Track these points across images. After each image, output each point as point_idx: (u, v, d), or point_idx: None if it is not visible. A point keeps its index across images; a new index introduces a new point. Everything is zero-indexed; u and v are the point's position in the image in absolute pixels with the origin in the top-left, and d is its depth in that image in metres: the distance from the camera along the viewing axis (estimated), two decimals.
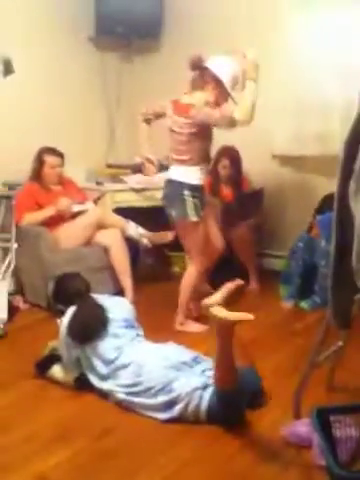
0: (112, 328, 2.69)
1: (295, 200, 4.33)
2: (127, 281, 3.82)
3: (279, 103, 4.17)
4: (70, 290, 2.87)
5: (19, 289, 3.94)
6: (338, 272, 2.00)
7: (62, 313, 2.79)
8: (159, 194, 4.09)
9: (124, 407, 2.52)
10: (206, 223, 3.37)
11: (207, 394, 2.35)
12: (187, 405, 2.37)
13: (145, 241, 3.93)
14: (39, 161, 3.91)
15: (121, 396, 2.53)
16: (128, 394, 2.51)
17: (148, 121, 3.41)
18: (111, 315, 2.73)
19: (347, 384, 2.58)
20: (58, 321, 2.78)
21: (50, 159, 3.91)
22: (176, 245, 4.29)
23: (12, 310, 3.68)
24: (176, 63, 4.68)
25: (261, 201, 4.30)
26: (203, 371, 2.48)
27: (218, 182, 4.05)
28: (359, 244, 1.83)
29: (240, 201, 4.05)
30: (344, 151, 1.89)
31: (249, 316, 2.25)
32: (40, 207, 3.84)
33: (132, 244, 3.97)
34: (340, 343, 2.46)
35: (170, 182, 3.26)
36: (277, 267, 4.13)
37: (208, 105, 3.06)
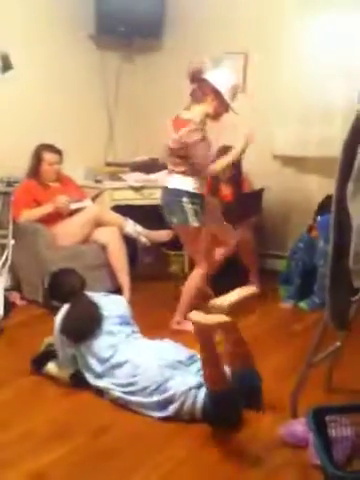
0: (106, 326, 2.68)
1: (296, 201, 4.33)
2: (125, 279, 3.82)
3: (281, 104, 4.17)
4: (65, 286, 2.86)
5: (16, 285, 3.93)
6: (336, 273, 2.01)
7: (57, 309, 2.78)
8: (158, 192, 4.11)
9: (120, 405, 2.52)
10: (212, 226, 3.39)
11: (202, 393, 2.35)
12: (182, 404, 2.37)
13: (143, 239, 3.91)
14: (37, 158, 3.90)
15: (117, 394, 2.52)
16: (124, 393, 2.51)
17: None
18: (106, 313, 2.72)
19: (345, 385, 2.58)
20: (55, 318, 2.77)
21: (48, 156, 3.90)
22: (174, 244, 4.30)
23: (9, 306, 3.66)
24: (177, 63, 4.68)
25: (261, 201, 4.29)
26: (199, 370, 2.47)
27: (218, 182, 4.05)
28: (356, 245, 1.83)
29: (240, 201, 4.04)
30: (343, 153, 1.90)
31: (224, 318, 2.28)
32: (38, 204, 3.83)
33: (130, 242, 3.97)
34: (338, 344, 2.46)
35: (168, 190, 3.28)
36: (277, 267, 4.13)
37: (208, 117, 3.15)
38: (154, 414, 2.42)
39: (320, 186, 3.94)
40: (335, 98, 3.92)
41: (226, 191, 4.10)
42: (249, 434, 2.32)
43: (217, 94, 3.09)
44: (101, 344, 2.62)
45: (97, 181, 4.41)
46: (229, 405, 2.31)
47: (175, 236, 4.00)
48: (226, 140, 3.69)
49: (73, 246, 3.80)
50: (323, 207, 3.69)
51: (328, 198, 3.55)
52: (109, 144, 4.92)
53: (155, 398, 2.42)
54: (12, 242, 3.68)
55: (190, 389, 2.36)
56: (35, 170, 3.90)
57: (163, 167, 4.41)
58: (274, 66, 4.16)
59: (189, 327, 3.37)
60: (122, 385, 2.52)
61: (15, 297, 3.85)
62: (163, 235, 3.94)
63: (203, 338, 2.30)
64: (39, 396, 2.66)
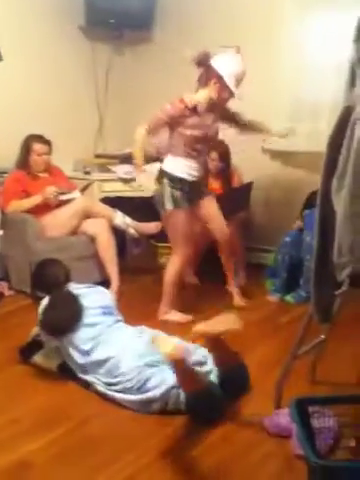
0: (87, 318, 2.66)
1: (284, 195, 4.35)
2: (113, 270, 3.83)
3: (270, 99, 4.18)
4: (48, 277, 2.86)
5: (4, 275, 3.94)
6: (320, 267, 2.03)
7: (41, 299, 2.80)
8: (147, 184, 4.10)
9: (105, 396, 2.54)
10: (204, 214, 3.44)
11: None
12: (166, 404, 2.39)
13: (132, 231, 3.92)
14: (26, 148, 3.89)
15: (101, 389, 2.54)
16: (108, 389, 2.52)
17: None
18: (86, 303, 2.70)
19: (328, 377, 2.61)
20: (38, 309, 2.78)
21: (37, 147, 3.89)
22: (163, 235, 4.31)
23: None
24: (167, 56, 4.70)
25: (250, 195, 4.31)
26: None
27: (207, 175, 4.06)
28: (340, 239, 1.85)
29: (229, 195, 4.06)
30: (328, 148, 1.92)
31: (232, 325, 2.37)
32: (27, 194, 3.82)
33: (119, 234, 3.98)
34: (322, 337, 2.49)
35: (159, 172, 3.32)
36: (264, 261, 4.16)
37: (211, 101, 3.18)
38: (139, 410, 2.43)
39: (308, 180, 3.96)
40: (325, 94, 3.95)
41: (215, 185, 4.11)
42: (234, 425, 2.34)
43: (220, 79, 3.12)
44: (81, 336, 2.61)
45: (86, 172, 4.42)
46: (206, 403, 2.31)
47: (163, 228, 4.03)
48: None
49: (62, 237, 3.81)
50: (310, 202, 3.72)
51: (315, 193, 3.58)
52: (98, 136, 4.91)
53: (138, 397, 2.42)
54: (1, 233, 3.69)
55: (172, 388, 2.36)
56: (24, 160, 3.89)
57: (152, 159, 4.43)
58: (265, 60, 4.16)
59: (175, 317, 3.42)
60: (105, 383, 2.53)
61: (3, 287, 3.87)
62: (152, 227, 3.96)
63: (213, 345, 2.39)
64: (26, 386, 2.67)
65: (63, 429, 2.32)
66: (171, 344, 2.24)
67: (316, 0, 3.96)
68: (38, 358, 2.77)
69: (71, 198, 3.92)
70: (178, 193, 3.26)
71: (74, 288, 2.81)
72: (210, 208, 3.49)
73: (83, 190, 4.23)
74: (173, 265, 3.41)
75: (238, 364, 2.51)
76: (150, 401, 2.39)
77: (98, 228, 3.85)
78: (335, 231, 1.85)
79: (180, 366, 2.29)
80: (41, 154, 3.91)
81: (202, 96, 3.20)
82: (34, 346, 2.80)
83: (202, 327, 2.37)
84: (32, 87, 4.32)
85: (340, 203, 1.81)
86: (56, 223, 3.79)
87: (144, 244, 4.50)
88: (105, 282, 3.70)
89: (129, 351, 2.53)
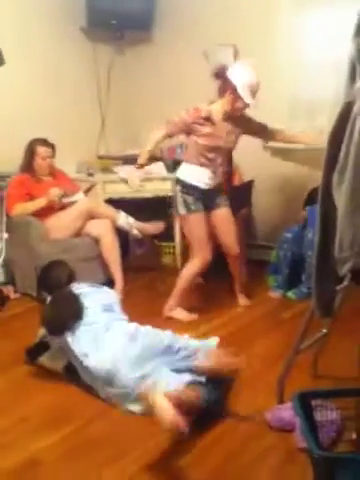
0: (87, 316, 2.67)
1: (285, 192, 4.37)
2: (117, 271, 3.86)
3: (270, 97, 4.20)
4: (50, 278, 2.91)
5: (10, 279, 3.97)
6: (321, 262, 2.05)
7: (46, 301, 2.84)
8: (150, 185, 4.15)
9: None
10: (216, 226, 3.49)
11: None
12: None
13: (135, 231, 3.95)
14: (30, 152, 3.93)
15: (102, 395, 2.55)
16: (106, 396, 2.54)
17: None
18: (87, 303, 2.72)
19: (330, 371, 2.63)
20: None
21: (41, 150, 3.92)
22: (166, 236, 4.36)
23: (3, 299, 3.74)
24: (168, 56, 4.74)
25: (251, 193, 4.34)
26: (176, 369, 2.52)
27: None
28: (341, 234, 1.88)
29: (230, 193, 4.08)
30: (328, 144, 1.94)
31: (237, 363, 2.49)
32: (31, 198, 3.85)
33: (122, 234, 4.01)
34: (324, 331, 2.52)
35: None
36: (266, 258, 4.19)
37: (226, 112, 3.26)
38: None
39: (309, 177, 3.98)
40: (323, 90, 3.96)
41: None
42: (235, 419, 2.38)
43: (234, 90, 3.17)
44: (81, 335, 2.61)
45: (89, 174, 4.45)
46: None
47: (166, 228, 4.07)
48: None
49: (66, 239, 3.84)
50: (311, 198, 3.74)
51: (316, 189, 3.60)
52: (101, 137, 4.95)
53: (138, 407, 2.42)
54: (5, 236, 3.72)
55: None
56: (28, 164, 3.93)
57: (155, 160, 4.47)
58: (264, 59, 4.18)
59: (180, 315, 3.45)
60: (105, 390, 2.54)
61: (9, 290, 3.90)
62: (155, 227, 4.00)
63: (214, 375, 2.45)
64: (33, 385, 2.71)
65: (70, 428, 2.36)
66: (159, 398, 2.15)
67: None
68: (44, 359, 2.80)
69: (75, 200, 3.96)
70: (190, 198, 3.33)
71: (76, 288, 2.84)
72: (224, 222, 3.51)
73: (86, 192, 4.26)
74: (193, 266, 3.45)
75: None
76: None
77: (102, 229, 3.88)
78: (336, 226, 1.87)
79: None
80: (45, 157, 3.94)
81: (216, 107, 3.27)
82: (41, 347, 2.82)
83: (208, 364, 2.43)
84: (34, 90, 4.36)
85: (341, 197, 1.83)
86: (60, 225, 3.82)
87: (147, 244, 4.53)
88: (109, 283, 3.73)
89: (123, 362, 2.46)
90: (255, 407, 2.43)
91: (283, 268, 3.83)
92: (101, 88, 4.87)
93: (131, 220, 3.96)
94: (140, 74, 4.96)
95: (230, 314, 3.53)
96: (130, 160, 4.49)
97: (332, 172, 1.90)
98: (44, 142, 3.95)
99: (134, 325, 2.72)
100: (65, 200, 3.89)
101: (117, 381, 2.45)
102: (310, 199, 3.77)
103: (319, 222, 2.02)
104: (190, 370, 2.50)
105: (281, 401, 2.36)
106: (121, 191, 4.29)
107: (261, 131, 3.51)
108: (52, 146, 3.98)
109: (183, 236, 4.28)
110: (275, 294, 3.83)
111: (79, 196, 4.02)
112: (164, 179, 4.26)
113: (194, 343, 2.63)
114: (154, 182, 4.25)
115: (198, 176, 3.34)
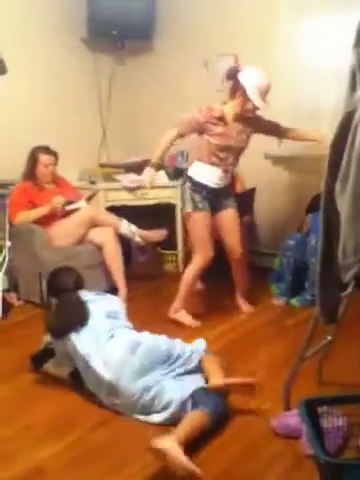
0: (92, 322, 2.67)
1: (287, 199, 4.39)
2: (120, 278, 3.86)
3: (271, 105, 4.22)
4: (57, 283, 2.91)
5: (13, 286, 3.98)
6: (325, 269, 2.05)
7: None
8: (152, 193, 4.17)
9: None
10: (222, 226, 3.52)
11: (188, 404, 2.40)
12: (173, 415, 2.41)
13: (137, 239, 3.96)
14: (33, 159, 3.94)
15: (106, 402, 2.55)
16: (111, 404, 2.53)
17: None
18: (93, 309, 2.72)
19: (335, 378, 2.63)
20: None
21: (44, 158, 3.93)
22: (169, 243, 4.36)
23: (6, 307, 3.73)
24: (169, 65, 4.76)
25: (253, 201, 4.36)
26: (176, 376, 2.53)
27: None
28: (344, 240, 1.88)
29: None
30: (331, 149, 1.95)
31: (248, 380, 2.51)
32: (34, 205, 3.86)
33: (124, 241, 4.01)
34: (329, 338, 2.52)
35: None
36: (268, 265, 4.19)
37: (237, 113, 3.31)
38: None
39: (311, 184, 3.99)
40: (323, 97, 3.99)
41: None
42: (242, 426, 2.37)
43: (244, 92, 3.21)
44: (84, 338, 2.61)
45: (91, 182, 4.46)
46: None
47: (168, 235, 4.08)
48: None
49: (69, 247, 3.84)
50: (313, 205, 3.75)
51: (318, 196, 3.61)
52: (102, 145, 4.97)
53: (143, 417, 2.44)
54: (9, 244, 3.73)
55: (180, 404, 2.38)
56: (31, 172, 3.94)
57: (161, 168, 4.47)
58: (265, 68, 4.20)
59: (184, 319, 3.46)
60: (109, 398, 2.53)
61: (12, 298, 3.90)
62: (157, 235, 4.01)
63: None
64: (37, 394, 2.71)
65: (74, 436, 2.36)
66: (168, 444, 2.11)
67: (312, 4, 4.00)
68: (49, 366, 2.80)
69: (77, 208, 3.97)
70: (198, 196, 3.37)
71: (84, 295, 2.84)
72: (230, 223, 3.54)
73: (89, 199, 4.27)
74: (193, 265, 3.48)
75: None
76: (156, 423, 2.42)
77: (104, 237, 3.89)
78: (339, 232, 1.88)
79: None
80: (48, 165, 3.95)
81: (227, 108, 3.32)
82: (46, 354, 2.82)
83: (219, 382, 2.44)
84: (36, 98, 4.38)
85: (344, 204, 1.84)
86: (63, 233, 3.83)
87: (150, 251, 4.53)
88: (112, 290, 3.73)
89: (125, 371, 2.47)
90: (260, 414, 2.43)
91: (286, 275, 3.83)
92: (102, 97, 4.89)
93: (133, 228, 3.97)
94: (141, 83, 4.98)
95: (233, 321, 3.53)
96: (132, 168, 4.53)
97: (334, 178, 1.91)
98: (46, 150, 3.96)
99: (136, 333, 2.73)
100: (68, 208, 3.90)
101: (120, 390, 2.45)
102: (312, 206, 3.78)
103: (322, 228, 2.03)
104: (189, 372, 2.54)
105: (287, 408, 2.36)
106: (123, 199, 4.31)
107: (273, 129, 3.54)
108: (55, 154, 3.99)
109: (185, 243, 4.31)
110: (278, 301, 3.83)
111: (81, 204, 4.03)
112: (165, 187, 4.28)
113: (188, 348, 2.64)
114: (156, 190, 4.26)
115: (208, 175, 3.38)
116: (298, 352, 2.34)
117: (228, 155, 3.38)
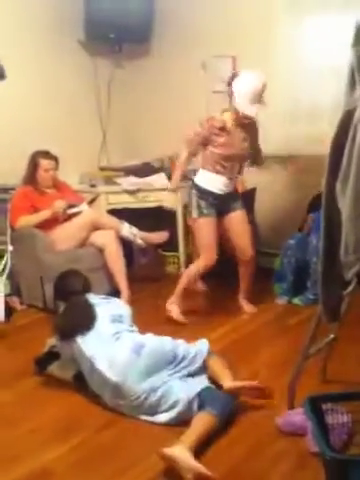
0: (98, 325, 2.67)
1: (287, 199, 4.39)
2: (122, 281, 3.87)
3: (270, 105, 4.23)
4: (67, 287, 2.92)
5: (15, 290, 3.98)
6: (327, 268, 2.07)
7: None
8: (152, 195, 4.18)
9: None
10: (231, 229, 3.56)
11: (195, 403, 2.40)
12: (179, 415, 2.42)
13: (139, 241, 3.97)
14: (33, 164, 3.94)
15: (111, 404, 2.56)
16: (116, 405, 2.54)
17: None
18: (99, 313, 2.73)
19: (339, 376, 2.64)
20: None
21: (44, 162, 3.94)
22: (170, 245, 4.37)
23: (9, 311, 3.73)
24: (166, 68, 4.78)
25: (253, 200, 4.37)
26: (181, 377, 2.54)
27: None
28: (346, 237, 1.90)
29: None
30: (330, 150, 1.96)
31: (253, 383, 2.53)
32: (35, 210, 3.86)
33: (126, 244, 4.02)
34: (332, 336, 2.53)
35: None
36: (270, 265, 4.19)
37: (237, 120, 3.34)
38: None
39: (311, 183, 3.99)
40: (323, 96, 4.00)
41: None
42: (245, 425, 2.38)
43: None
44: (89, 341, 2.61)
45: (92, 185, 4.47)
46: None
47: (170, 237, 4.09)
48: None
49: (71, 250, 3.85)
50: (314, 204, 3.76)
51: (318, 196, 3.62)
52: (102, 149, 4.98)
53: (149, 418, 2.45)
54: (11, 248, 3.74)
55: (187, 404, 2.39)
56: (32, 176, 3.94)
57: (156, 171, 4.50)
58: (264, 68, 4.21)
59: (175, 314, 3.52)
60: (114, 400, 2.54)
61: (15, 302, 3.91)
62: (159, 237, 4.02)
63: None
64: (41, 396, 2.72)
65: (79, 439, 2.36)
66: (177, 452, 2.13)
67: (310, 4, 4.01)
68: (54, 368, 2.80)
69: (79, 211, 3.97)
70: (203, 203, 3.43)
71: (91, 298, 2.85)
72: (239, 225, 3.58)
73: (90, 203, 4.28)
74: (196, 266, 3.56)
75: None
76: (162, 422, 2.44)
77: (106, 239, 3.90)
78: (341, 230, 1.89)
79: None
80: (48, 170, 3.96)
81: (227, 115, 3.36)
82: (50, 357, 2.83)
83: (234, 385, 2.48)
84: (34, 102, 4.39)
85: (345, 202, 1.85)
86: (65, 236, 3.83)
87: (151, 254, 4.54)
88: (115, 293, 3.74)
89: (130, 376, 2.47)
90: (264, 412, 2.45)
91: (288, 275, 3.83)
92: (101, 101, 4.90)
93: (135, 230, 3.98)
94: (139, 86, 4.99)
95: (236, 321, 3.55)
96: (132, 171, 4.54)
97: (335, 177, 1.92)
98: (47, 154, 3.97)
99: (140, 336, 2.74)
100: (69, 211, 3.91)
101: (125, 392, 2.46)
102: (313, 205, 3.79)
103: (324, 227, 2.04)
104: (193, 373, 2.56)
105: (292, 406, 2.37)
106: (124, 201, 4.32)
107: (254, 150, 3.57)
108: (55, 158, 4.00)
109: (187, 244, 4.32)
110: (281, 301, 3.84)
111: (83, 207, 4.04)
112: (166, 190, 4.29)
113: (192, 349, 2.64)
114: (156, 193, 4.29)
115: (213, 183, 3.44)
116: (301, 350, 2.35)
117: (233, 165, 3.44)
